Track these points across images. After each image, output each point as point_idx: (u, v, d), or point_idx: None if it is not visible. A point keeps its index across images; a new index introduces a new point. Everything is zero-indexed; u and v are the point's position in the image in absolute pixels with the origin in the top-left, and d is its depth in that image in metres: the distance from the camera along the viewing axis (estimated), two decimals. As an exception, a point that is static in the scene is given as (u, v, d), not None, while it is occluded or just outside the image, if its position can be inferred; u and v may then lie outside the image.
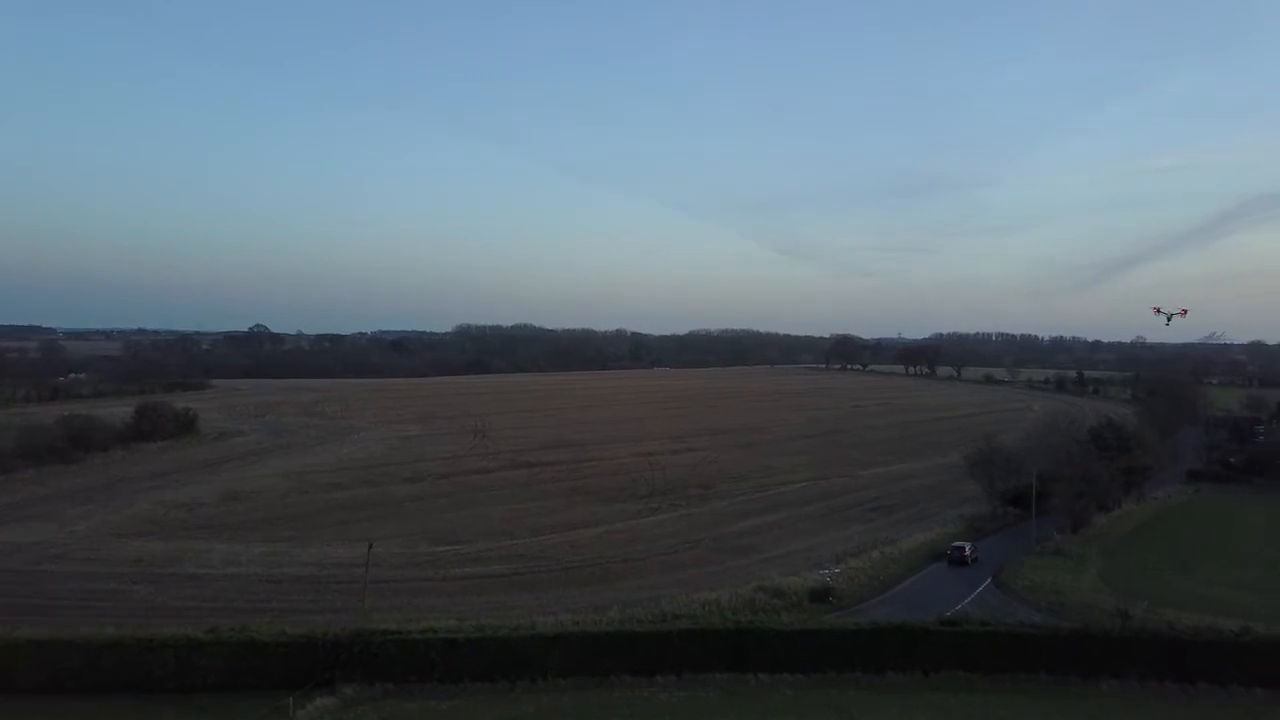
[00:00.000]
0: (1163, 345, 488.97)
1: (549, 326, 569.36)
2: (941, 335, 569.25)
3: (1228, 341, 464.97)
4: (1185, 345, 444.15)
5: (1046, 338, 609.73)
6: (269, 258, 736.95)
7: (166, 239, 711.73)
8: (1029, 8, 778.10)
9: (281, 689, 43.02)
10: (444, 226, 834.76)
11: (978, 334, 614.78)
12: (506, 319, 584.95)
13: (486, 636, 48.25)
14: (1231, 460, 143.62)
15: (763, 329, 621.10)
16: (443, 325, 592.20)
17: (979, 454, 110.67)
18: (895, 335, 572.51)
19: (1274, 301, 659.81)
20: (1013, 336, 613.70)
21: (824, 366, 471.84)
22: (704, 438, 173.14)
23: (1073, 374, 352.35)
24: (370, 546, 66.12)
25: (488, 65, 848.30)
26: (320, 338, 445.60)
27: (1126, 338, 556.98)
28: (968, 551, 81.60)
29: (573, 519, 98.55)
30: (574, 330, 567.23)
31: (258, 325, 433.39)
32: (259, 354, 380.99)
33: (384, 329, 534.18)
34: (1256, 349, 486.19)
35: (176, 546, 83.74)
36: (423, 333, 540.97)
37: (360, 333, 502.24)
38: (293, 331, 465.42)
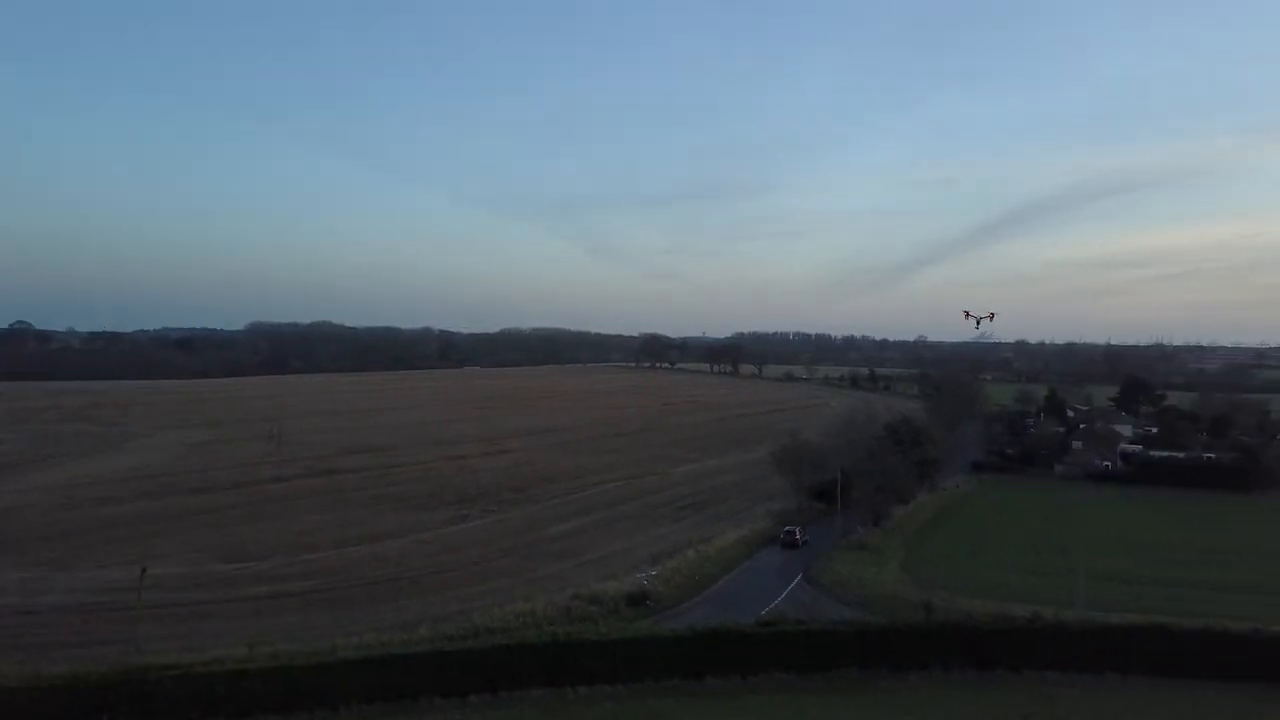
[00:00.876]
0: (941, 344, 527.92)
1: (350, 324, 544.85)
2: (743, 334, 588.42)
3: (996, 341, 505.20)
4: (960, 344, 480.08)
5: (839, 337, 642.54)
6: (34, 247, 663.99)
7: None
8: (814, 26, 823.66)
9: (37, 740, 37.48)
10: (236, 218, 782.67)
11: (776, 333, 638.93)
12: (304, 316, 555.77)
13: (281, 665, 44.10)
14: (1008, 452, 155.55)
15: (574, 328, 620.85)
16: (234, 322, 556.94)
17: (786, 451, 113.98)
18: (700, 334, 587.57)
19: (1034, 304, 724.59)
20: (808, 335, 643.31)
21: (634, 365, 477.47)
22: (517, 439, 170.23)
23: (865, 371, 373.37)
24: (144, 570, 59.52)
25: (277, 49, 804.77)
26: (94, 336, 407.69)
27: (910, 337, 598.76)
28: (799, 535, 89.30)
29: (378, 529, 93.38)
30: (377, 328, 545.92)
31: (19, 321, 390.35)
32: (21, 354, 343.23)
33: (169, 326, 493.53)
34: (1021, 347, 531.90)
35: (-92, 576, 72.93)
36: (212, 330, 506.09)
37: (141, 330, 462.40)
38: (62, 329, 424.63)
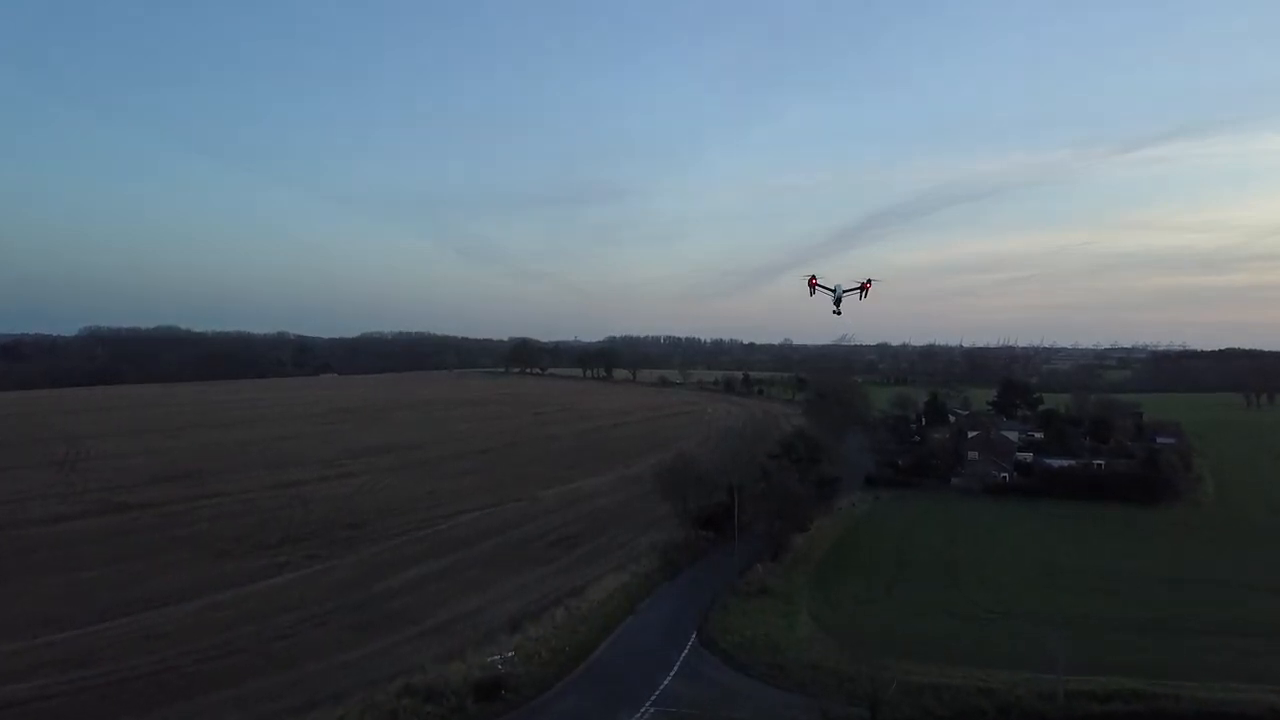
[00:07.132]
0: (806, 346, 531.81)
1: (198, 329, 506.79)
2: (615, 338, 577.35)
3: (858, 343, 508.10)
4: (824, 347, 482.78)
5: (708, 340, 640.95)
6: None
7: None
8: (682, 37, 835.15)
9: None
10: (70, 213, 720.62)
11: (647, 336, 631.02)
12: (146, 320, 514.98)
13: None
14: (899, 463, 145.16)
15: (440, 332, 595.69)
16: (67, 327, 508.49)
17: (669, 470, 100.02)
18: (572, 338, 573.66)
19: (892, 305, 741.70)
20: (678, 339, 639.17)
21: (504, 371, 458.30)
22: (364, 459, 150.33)
23: (739, 375, 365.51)
24: None
25: (118, 33, 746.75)
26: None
27: (776, 339, 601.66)
28: None
29: (162, 588, 73.26)
30: (227, 333, 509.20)
31: None
32: None
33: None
34: (883, 350, 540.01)
35: None
36: (42, 335, 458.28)
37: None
38: None
